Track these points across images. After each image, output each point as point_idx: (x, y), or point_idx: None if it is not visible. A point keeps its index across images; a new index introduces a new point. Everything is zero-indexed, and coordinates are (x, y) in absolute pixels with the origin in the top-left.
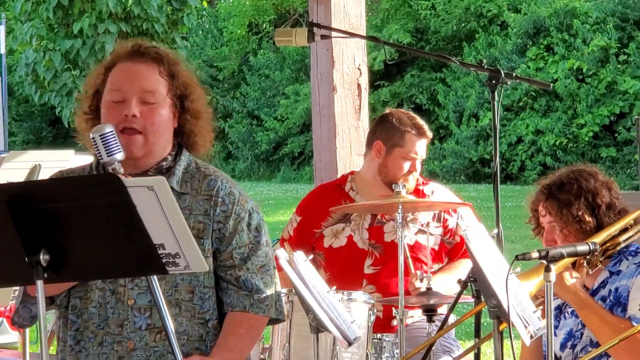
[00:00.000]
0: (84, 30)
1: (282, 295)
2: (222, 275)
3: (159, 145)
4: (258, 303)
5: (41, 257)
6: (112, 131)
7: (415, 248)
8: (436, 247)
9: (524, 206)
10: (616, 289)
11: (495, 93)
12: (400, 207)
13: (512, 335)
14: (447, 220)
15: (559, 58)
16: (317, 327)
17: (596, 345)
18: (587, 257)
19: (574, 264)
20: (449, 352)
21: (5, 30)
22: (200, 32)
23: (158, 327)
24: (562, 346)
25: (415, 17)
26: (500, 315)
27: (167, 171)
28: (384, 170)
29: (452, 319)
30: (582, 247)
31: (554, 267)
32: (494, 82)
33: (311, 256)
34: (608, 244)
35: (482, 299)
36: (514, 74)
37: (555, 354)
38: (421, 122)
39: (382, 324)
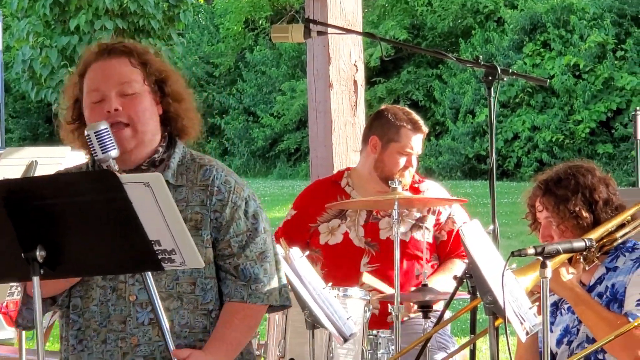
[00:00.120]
0: (81, 27)
1: None
2: (221, 264)
3: (148, 133)
4: (256, 293)
5: (37, 253)
6: (106, 128)
7: (410, 244)
8: (430, 241)
9: (520, 202)
10: (613, 285)
11: (492, 89)
12: (396, 203)
13: (508, 332)
14: (441, 213)
15: (556, 54)
16: (313, 323)
17: (592, 341)
18: (584, 253)
19: (570, 260)
20: (444, 349)
21: (2, 27)
22: (196, 28)
23: None
24: (558, 342)
25: (412, 14)
26: (496, 311)
27: (160, 164)
28: (380, 165)
29: (447, 315)
30: (578, 244)
31: (550, 263)
32: (490, 78)
33: (307, 252)
34: (605, 240)
35: (478, 295)
36: (510, 70)
37: (551, 350)
38: (417, 117)
39: (378, 320)
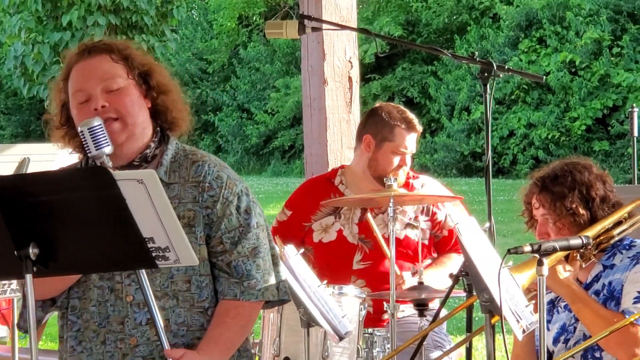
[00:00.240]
0: (73, 23)
1: None
2: (214, 261)
3: (138, 126)
4: (249, 290)
5: (30, 250)
6: (100, 124)
7: (404, 243)
8: (426, 242)
9: (515, 200)
10: (610, 283)
11: (487, 86)
12: (391, 200)
13: (504, 330)
14: (435, 213)
15: (552, 51)
16: (308, 322)
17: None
18: (581, 250)
19: (567, 258)
20: (440, 347)
21: None
22: (189, 24)
23: None
24: (555, 340)
25: (407, 10)
26: (493, 309)
27: (152, 159)
28: (373, 164)
29: (443, 313)
30: (575, 241)
31: (547, 261)
32: (485, 75)
33: (302, 250)
34: (602, 237)
35: (474, 293)
36: (506, 67)
37: (547, 349)
38: (411, 115)
39: (373, 318)
